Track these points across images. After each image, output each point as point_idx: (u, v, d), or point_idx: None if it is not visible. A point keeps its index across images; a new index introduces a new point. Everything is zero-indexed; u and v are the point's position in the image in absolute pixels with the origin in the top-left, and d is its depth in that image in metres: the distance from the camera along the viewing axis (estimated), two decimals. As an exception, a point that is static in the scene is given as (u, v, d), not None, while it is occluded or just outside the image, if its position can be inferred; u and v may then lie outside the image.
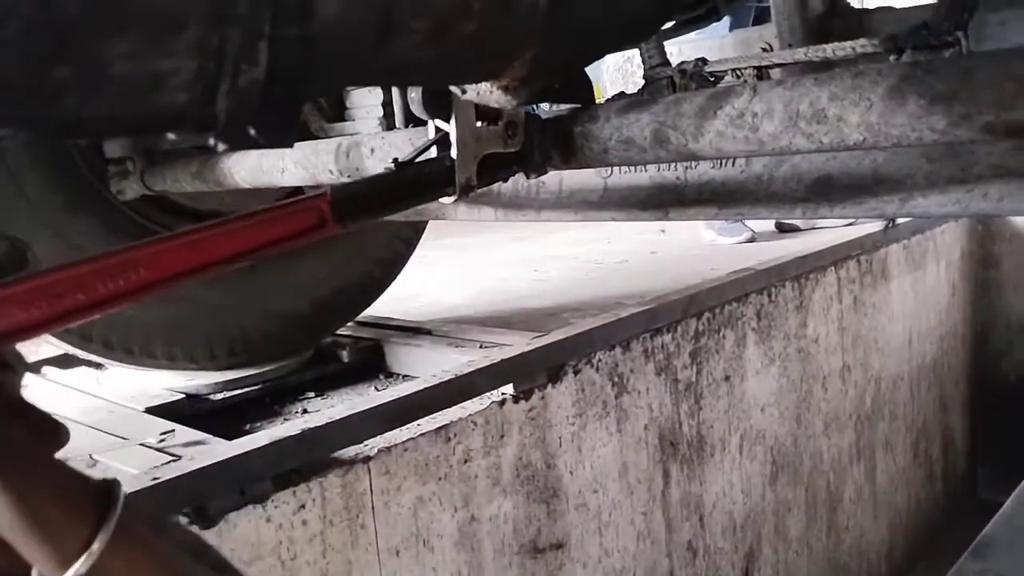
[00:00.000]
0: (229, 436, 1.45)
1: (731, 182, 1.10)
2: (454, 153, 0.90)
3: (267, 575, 1.29)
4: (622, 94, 1.44)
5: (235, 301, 1.90)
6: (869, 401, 2.95)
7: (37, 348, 2.00)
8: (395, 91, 1.35)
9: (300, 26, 0.42)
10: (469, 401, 1.63)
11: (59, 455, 0.55)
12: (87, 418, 1.66)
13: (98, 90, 0.38)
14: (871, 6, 2.04)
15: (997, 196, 0.91)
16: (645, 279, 2.91)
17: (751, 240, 3.52)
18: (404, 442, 1.48)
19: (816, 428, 2.66)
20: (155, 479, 1.22)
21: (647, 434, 2.02)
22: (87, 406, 1.77)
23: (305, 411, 1.81)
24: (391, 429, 1.48)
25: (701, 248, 3.51)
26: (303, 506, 1.34)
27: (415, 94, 0.86)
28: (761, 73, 1.47)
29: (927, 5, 1.37)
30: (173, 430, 1.51)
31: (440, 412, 1.56)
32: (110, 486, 0.54)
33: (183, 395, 1.80)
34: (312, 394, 1.91)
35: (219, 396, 1.84)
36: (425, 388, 1.54)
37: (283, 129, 0.46)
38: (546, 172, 1.03)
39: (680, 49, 1.94)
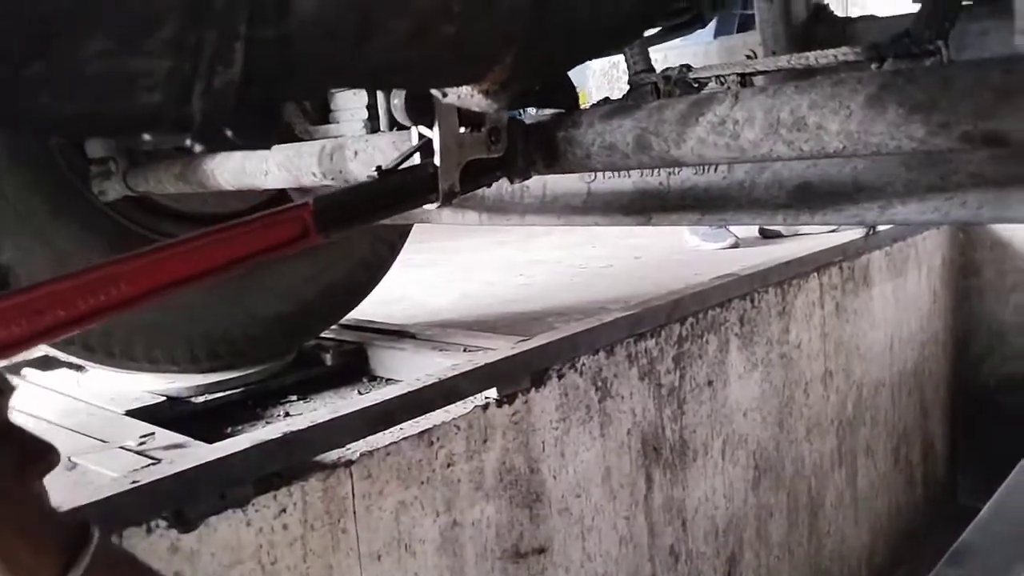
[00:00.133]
0: (210, 439, 1.44)
1: (714, 188, 1.10)
2: (437, 160, 0.90)
3: (247, 580, 1.28)
4: (607, 99, 1.45)
5: (217, 303, 1.89)
6: (851, 407, 2.97)
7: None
8: (380, 94, 1.35)
9: (277, 26, 0.41)
10: (452, 405, 1.62)
11: None
12: (67, 421, 1.65)
13: (72, 89, 0.38)
14: (855, 15, 2.06)
15: (976, 204, 0.92)
16: (629, 284, 2.92)
17: (735, 246, 3.54)
18: (386, 446, 1.47)
19: (798, 433, 2.67)
20: (134, 482, 1.21)
21: (630, 439, 2.02)
22: (67, 408, 1.75)
23: (287, 414, 1.80)
24: (374, 433, 1.48)
25: (685, 253, 3.53)
26: (284, 510, 1.33)
27: (397, 100, 0.86)
28: (745, 80, 1.48)
29: (909, 14, 1.38)
30: (153, 433, 1.50)
31: (423, 416, 1.56)
32: (84, 530, 0.53)
33: (164, 398, 1.79)
34: (295, 397, 1.90)
35: (200, 399, 1.83)
36: (408, 392, 1.54)
37: (261, 130, 0.46)
38: (530, 177, 1.03)
39: (665, 55, 1.95)
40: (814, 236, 3.28)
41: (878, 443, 3.18)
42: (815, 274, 2.72)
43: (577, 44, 0.68)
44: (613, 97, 1.50)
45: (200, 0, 0.38)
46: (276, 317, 2.02)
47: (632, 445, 2.03)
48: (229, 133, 0.44)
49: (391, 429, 1.50)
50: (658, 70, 1.66)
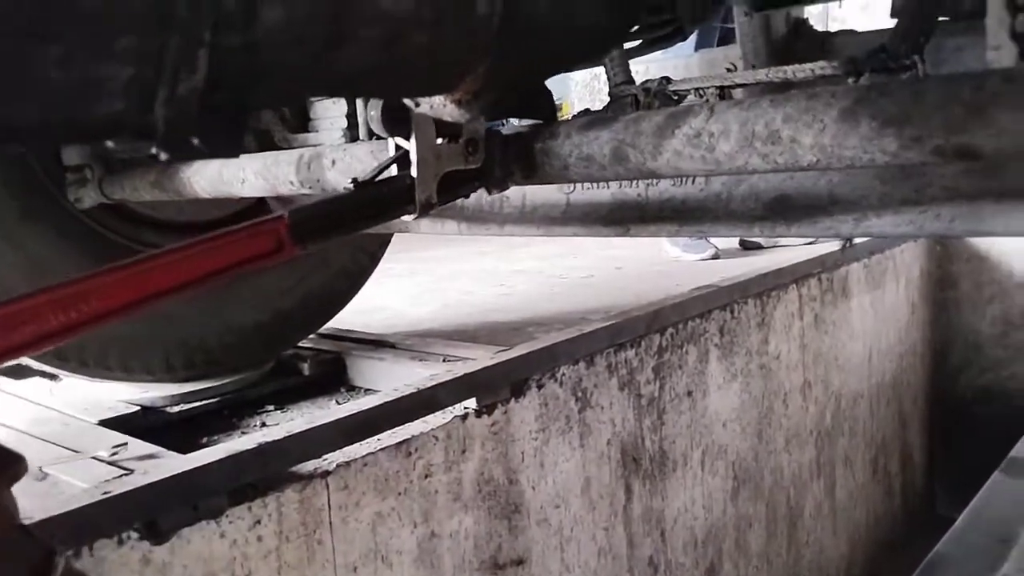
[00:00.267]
0: (185, 450, 1.42)
1: (691, 200, 1.11)
2: (414, 171, 0.89)
3: (220, 592, 1.27)
4: (587, 111, 1.45)
5: (193, 312, 1.88)
6: (829, 417, 2.98)
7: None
8: (359, 103, 1.34)
9: (243, 34, 0.41)
10: (431, 415, 1.61)
11: None
12: (39, 430, 1.62)
13: (30, 96, 0.37)
14: (834, 29, 2.08)
15: (949, 217, 0.93)
16: (610, 294, 2.92)
17: (715, 257, 3.56)
18: (364, 457, 1.46)
19: (777, 444, 2.68)
20: (106, 493, 1.19)
21: (610, 449, 2.02)
22: (39, 417, 1.73)
23: (264, 424, 1.79)
24: (351, 443, 1.47)
25: (665, 264, 3.54)
26: (259, 521, 1.32)
27: (374, 111, 0.86)
28: (724, 93, 1.49)
29: (887, 30, 1.40)
30: (126, 443, 1.48)
31: (401, 426, 1.55)
32: (50, 556, 0.52)
33: (138, 407, 1.77)
34: (272, 407, 1.89)
35: (176, 409, 1.81)
36: (386, 402, 1.53)
37: (229, 138, 0.46)
38: (508, 188, 1.03)
39: (647, 68, 1.96)
40: (793, 248, 3.31)
41: (856, 454, 3.20)
42: (794, 285, 2.74)
43: (550, 55, 0.68)
44: (594, 109, 1.51)
45: (163, 7, 0.37)
46: (253, 326, 2.00)
47: (612, 456, 2.03)
48: (196, 141, 0.44)
49: (368, 440, 1.49)
50: (638, 82, 1.67)
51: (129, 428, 1.64)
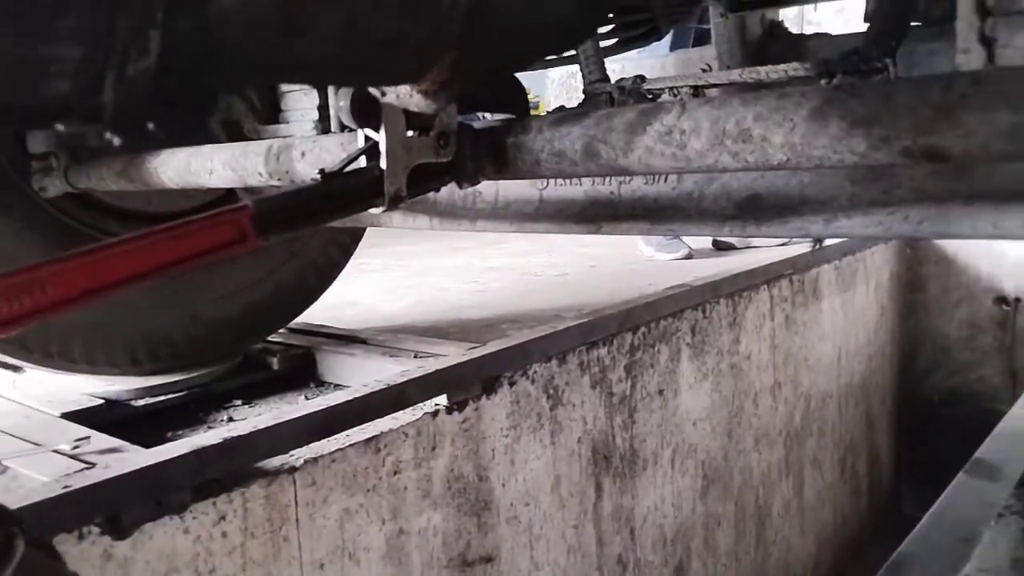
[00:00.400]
0: (150, 444, 1.40)
1: (663, 198, 1.11)
2: (384, 163, 0.88)
3: (183, 589, 1.25)
4: (562, 107, 1.45)
5: (160, 304, 1.85)
6: (798, 418, 3.01)
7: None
8: (331, 94, 1.33)
9: (196, 16, 0.40)
10: (401, 412, 1.60)
11: None
12: (0, 422, 1.59)
13: (-28, 75, 0.36)
14: (809, 32, 2.10)
15: (917, 219, 0.94)
16: (583, 292, 2.92)
17: (688, 257, 3.58)
18: (332, 453, 1.45)
19: (747, 443, 2.70)
20: (66, 487, 1.17)
21: (581, 447, 2.02)
22: (1, 410, 1.69)
23: (231, 419, 1.76)
24: (319, 439, 1.45)
25: (639, 263, 3.55)
26: (223, 517, 1.30)
27: (343, 102, 0.85)
28: (698, 92, 1.49)
29: (861, 33, 1.41)
30: (88, 437, 1.46)
31: (370, 423, 1.54)
32: (10, 539, 0.51)
33: (102, 400, 1.74)
34: (239, 402, 1.86)
35: (141, 402, 1.78)
36: (355, 398, 1.51)
37: (185, 124, 0.44)
38: (479, 182, 1.02)
39: (623, 66, 1.96)
40: (766, 249, 3.33)
41: (825, 454, 3.23)
42: (766, 286, 2.76)
43: (519, 46, 0.67)
44: (569, 106, 1.51)
45: (112, -15, 0.36)
46: (221, 319, 1.97)
47: (582, 453, 2.03)
48: (151, 126, 0.43)
49: (337, 436, 1.48)
50: (613, 80, 1.67)
51: (92, 421, 1.61)
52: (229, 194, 1.87)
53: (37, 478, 1.28)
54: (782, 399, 2.89)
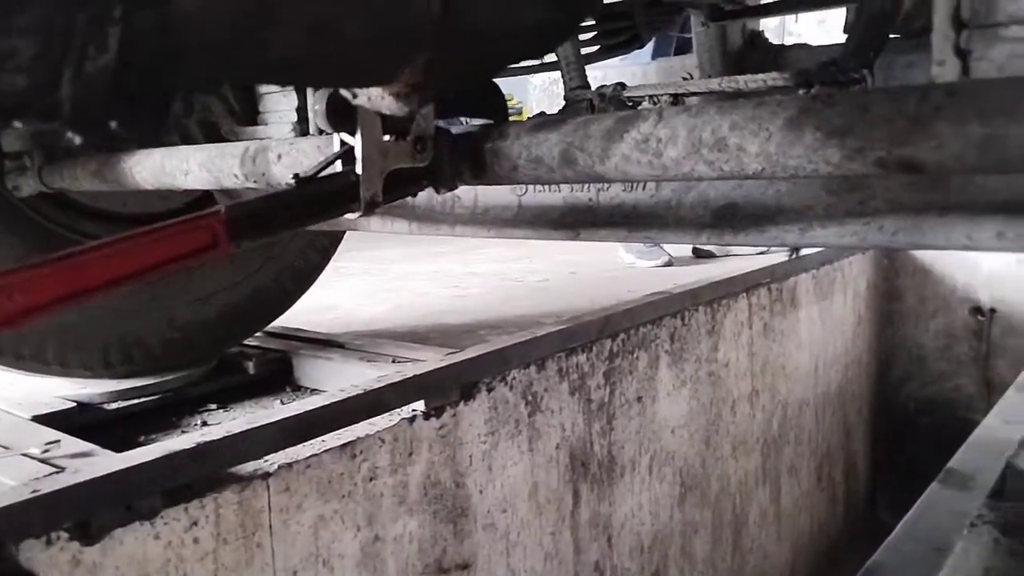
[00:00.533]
0: (121, 448, 1.38)
1: (642, 206, 1.11)
2: (359, 168, 0.87)
3: (153, 595, 1.23)
4: (543, 114, 1.45)
5: (134, 306, 1.83)
6: (776, 425, 3.02)
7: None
8: (310, 96, 1.32)
9: (157, 12, 0.39)
10: (378, 417, 1.59)
11: None
12: (-32, 425, 1.57)
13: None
14: (789, 43, 2.12)
15: (892, 229, 0.94)
16: (564, 299, 2.93)
17: (668, 264, 3.59)
18: (307, 458, 1.43)
19: (724, 451, 2.71)
20: (35, 491, 1.15)
21: (559, 453, 2.02)
22: (-31, 413, 1.67)
23: (205, 424, 1.75)
24: (294, 444, 1.44)
25: (619, 270, 3.56)
26: (195, 523, 1.28)
27: (319, 105, 0.84)
28: (677, 100, 1.50)
29: (840, 44, 1.42)
30: (59, 440, 1.44)
31: (347, 428, 1.52)
32: None
33: (74, 403, 1.71)
34: (214, 406, 1.85)
35: (114, 406, 1.76)
36: (331, 403, 1.50)
37: (148, 123, 0.43)
38: (456, 187, 1.02)
39: (605, 74, 1.97)
40: (745, 257, 3.35)
41: (802, 461, 3.24)
42: (744, 294, 2.77)
43: (492, 49, 0.67)
44: (550, 112, 1.51)
45: (71, -21, 0.35)
46: (197, 322, 1.95)
47: (560, 460, 2.02)
48: (114, 124, 0.42)
49: (312, 441, 1.47)
50: (594, 87, 1.67)
51: (64, 425, 1.59)
52: (208, 196, 1.86)
53: (5, 482, 1.26)
54: (760, 407, 2.90)
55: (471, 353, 1.82)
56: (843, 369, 3.54)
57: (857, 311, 3.65)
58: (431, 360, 1.79)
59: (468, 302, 3.01)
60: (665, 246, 3.60)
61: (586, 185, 1.19)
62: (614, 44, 1.78)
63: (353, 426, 1.54)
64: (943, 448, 2.17)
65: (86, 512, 1.18)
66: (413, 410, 1.65)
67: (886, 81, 1.45)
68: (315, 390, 1.93)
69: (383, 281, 3.53)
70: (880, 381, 3.95)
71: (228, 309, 1.99)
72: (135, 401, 1.79)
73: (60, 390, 1.76)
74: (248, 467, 1.37)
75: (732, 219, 1.00)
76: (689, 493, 2.53)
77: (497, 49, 0.67)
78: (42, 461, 1.36)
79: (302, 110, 1.35)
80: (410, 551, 1.63)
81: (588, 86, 1.64)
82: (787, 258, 3.05)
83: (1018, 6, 0.81)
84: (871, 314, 3.81)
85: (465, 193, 1.34)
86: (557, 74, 1.75)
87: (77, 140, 0.40)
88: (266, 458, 1.40)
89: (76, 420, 1.67)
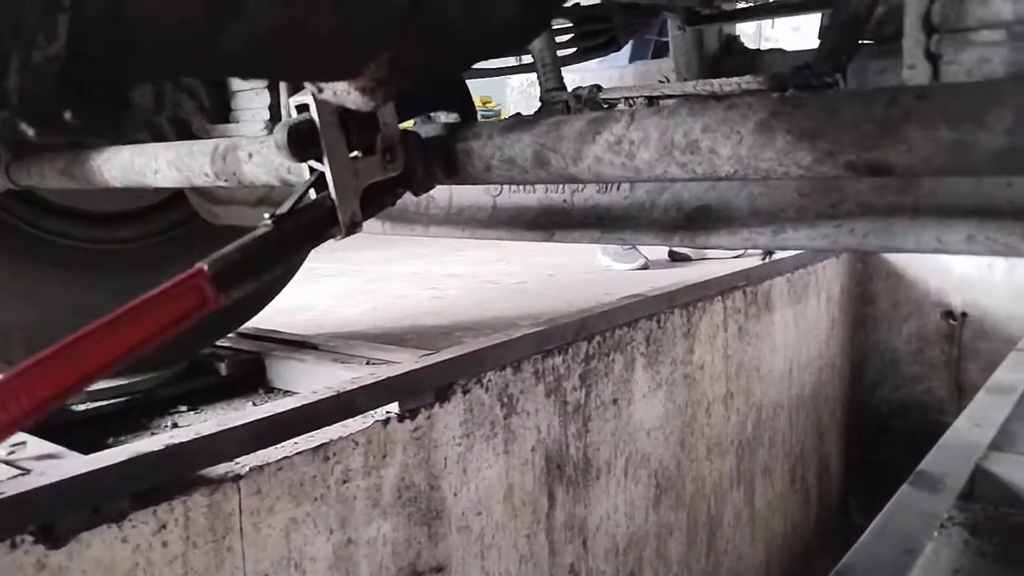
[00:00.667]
0: (89, 450, 1.36)
1: (615, 207, 1.11)
2: (333, 193, 0.86)
3: (120, 600, 1.21)
4: (519, 115, 1.45)
5: (102, 303, 1.80)
6: (750, 428, 3.04)
7: None
8: (283, 94, 1.31)
9: (108, 1, 0.38)
10: (351, 419, 1.58)
11: None
12: (-70, 427, 1.53)
13: None
14: (765, 47, 2.13)
15: (863, 232, 0.95)
16: (541, 301, 2.93)
17: (644, 267, 3.61)
18: (278, 461, 1.42)
19: (699, 453, 2.72)
20: (-1, 494, 1.13)
21: (534, 456, 2.02)
22: (-68, 414, 1.63)
23: (175, 425, 1.72)
24: (265, 447, 1.42)
25: (597, 273, 3.57)
26: (164, 526, 1.26)
27: (280, 135, 0.83)
28: (652, 103, 1.50)
29: (814, 49, 1.43)
30: (25, 442, 1.41)
31: (320, 430, 1.51)
32: None
33: (42, 405, 1.68)
34: (185, 408, 1.83)
35: (82, 407, 1.73)
36: (304, 404, 1.49)
37: (105, 116, 0.42)
38: (432, 187, 1.01)
39: (582, 76, 1.97)
40: (721, 261, 3.37)
41: (776, 464, 3.26)
42: (720, 297, 2.78)
43: (460, 44, 0.66)
44: (526, 113, 1.50)
45: (16, -32, 0.34)
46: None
47: (536, 462, 2.02)
48: (68, 116, 0.41)
49: (284, 443, 1.45)
50: (571, 89, 1.67)
51: (30, 426, 1.56)
52: (180, 193, 1.84)
53: (-32, 485, 1.23)
54: (734, 409, 2.91)
55: (446, 355, 1.81)
56: (817, 372, 3.57)
57: (831, 314, 3.68)
58: (406, 362, 1.78)
59: (446, 304, 3.00)
60: (641, 249, 3.61)
61: (561, 186, 1.19)
62: (591, 46, 1.78)
63: (326, 428, 1.52)
64: (915, 450, 2.19)
65: (52, 515, 1.16)
66: (387, 412, 1.64)
67: (860, 86, 1.47)
68: (288, 392, 1.91)
69: (360, 282, 3.51)
70: (853, 384, 3.99)
71: (200, 309, 1.97)
72: (104, 402, 1.76)
73: (27, 391, 1.74)
74: (219, 469, 1.35)
75: (705, 221, 1.00)
76: (664, 495, 2.54)
77: (464, 45, 0.67)
78: (7, 463, 1.33)
79: (275, 108, 1.33)
80: (384, 554, 1.62)
81: (564, 88, 1.64)
82: (761, 261, 3.08)
83: (988, 11, 0.82)
84: (845, 317, 3.84)
85: (440, 194, 1.33)
86: (535, 76, 1.76)
87: (30, 132, 0.39)
88: (237, 460, 1.38)
89: (43, 421, 1.64)
